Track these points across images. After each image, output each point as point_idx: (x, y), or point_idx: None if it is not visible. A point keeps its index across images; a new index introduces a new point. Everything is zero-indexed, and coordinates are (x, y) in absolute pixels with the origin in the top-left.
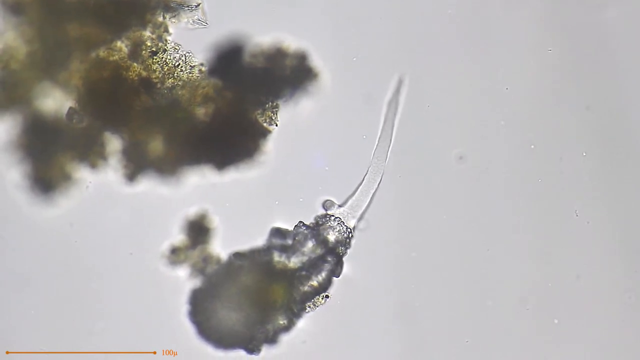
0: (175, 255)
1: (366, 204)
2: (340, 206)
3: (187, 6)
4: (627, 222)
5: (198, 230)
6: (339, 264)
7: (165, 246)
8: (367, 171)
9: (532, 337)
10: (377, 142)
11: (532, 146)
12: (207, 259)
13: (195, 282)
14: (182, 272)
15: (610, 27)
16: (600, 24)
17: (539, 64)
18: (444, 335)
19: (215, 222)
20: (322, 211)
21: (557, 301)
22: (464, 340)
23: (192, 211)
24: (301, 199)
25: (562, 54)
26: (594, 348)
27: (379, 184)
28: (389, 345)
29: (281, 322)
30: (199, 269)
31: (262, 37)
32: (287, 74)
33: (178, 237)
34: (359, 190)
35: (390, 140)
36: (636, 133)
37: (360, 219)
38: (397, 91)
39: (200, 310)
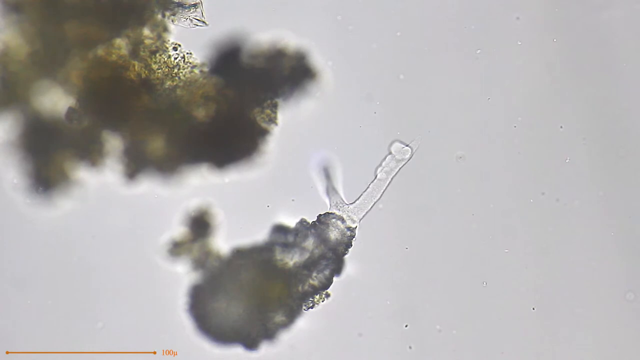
0: (176, 248)
1: (370, 206)
2: (348, 204)
3: (187, 5)
4: (626, 217)
5: (200, 224)
6: (339, 262)
7: (165, 240)
8: (375, 177)
9: (532, 336)
10: (389, 154)
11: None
12: (207, 253)
13: (196, 277)
14: (182, 269)
15: (611, 27)
16: (601, 23)
17: (539, 63)
18: (443, 334)
19: (217, 217)
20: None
21: (557, 300)
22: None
23: (194, 205)
24: (293, 199)
25: (562, 52)
26: (593, 346)
27: (385, 190)
28: (388, 345)
29: (281, 319)
30: (199, 264)
31: (262, 35)
32: (287, 73)
33: (179, 230)
34: (364, 193)
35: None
36: (637, 132)
37: (362, 219)
38: (414, 149)
39: (200, 305)
